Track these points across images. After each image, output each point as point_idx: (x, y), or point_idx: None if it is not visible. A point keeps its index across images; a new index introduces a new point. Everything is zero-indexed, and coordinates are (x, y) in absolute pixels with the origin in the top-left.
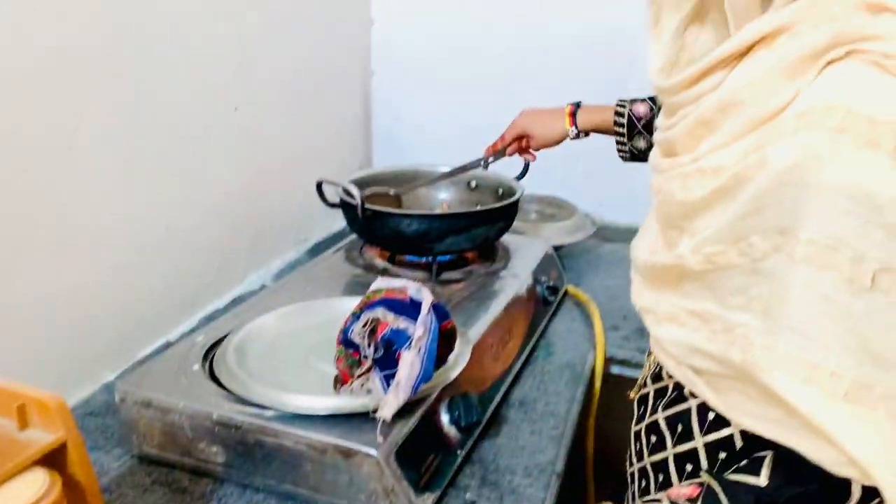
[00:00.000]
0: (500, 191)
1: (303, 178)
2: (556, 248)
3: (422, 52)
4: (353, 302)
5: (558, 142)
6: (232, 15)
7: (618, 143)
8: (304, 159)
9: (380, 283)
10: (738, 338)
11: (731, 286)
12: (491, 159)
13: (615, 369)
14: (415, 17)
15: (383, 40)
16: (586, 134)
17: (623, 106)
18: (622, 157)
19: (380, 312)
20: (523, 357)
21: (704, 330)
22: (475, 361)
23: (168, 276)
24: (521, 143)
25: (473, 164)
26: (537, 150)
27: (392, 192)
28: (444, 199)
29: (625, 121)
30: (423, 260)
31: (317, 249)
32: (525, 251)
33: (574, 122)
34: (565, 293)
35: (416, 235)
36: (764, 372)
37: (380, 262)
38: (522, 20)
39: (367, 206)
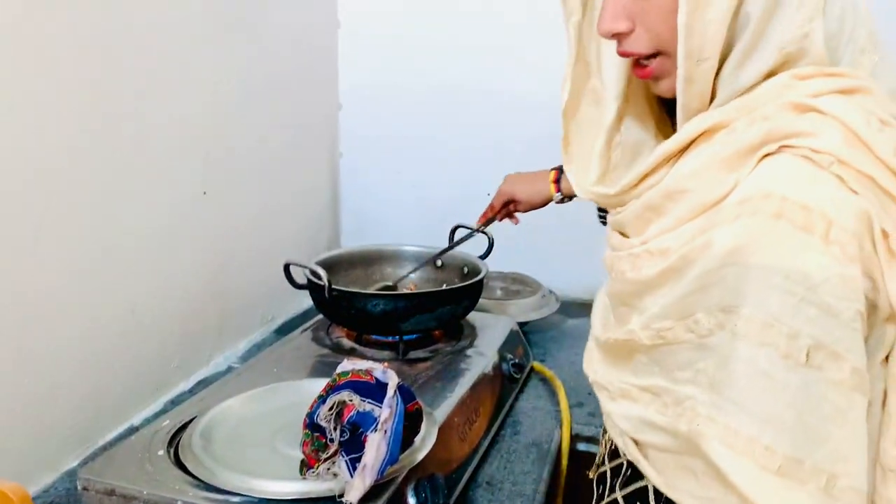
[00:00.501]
0: (466, 269)
1: (270, 258)
2: (522, 325)
3: (388, 134)
4: (319, 384)
5: (544, 205)
6: (201, 100)
7: (598, 208)
8: (272, 240)
9: (346, 366)
10: (687, 410)
11: (679, 361)
12: (481, 227)
13: (581, 446)
14: (381, 102)
15: (351, 124)
16: (570, 198)
17: None
18: (602, 222)
19: (346, 395)
20: (490, 436)
21: (656, 403)
22: (442, 442)
23: (133, 361)
24: (510, 208)
25: (465, 238)
26: (524, 212)
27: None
28: (410, 279)
29: None
30: (390, 339)
31: (284, 330)
32: (491, 328)
33: (559, 188)
34: (531, 370)
35: (382, 315)
36: (705, 441)
37: (347, 342)
38: (485, 106)
39: (334, 287)
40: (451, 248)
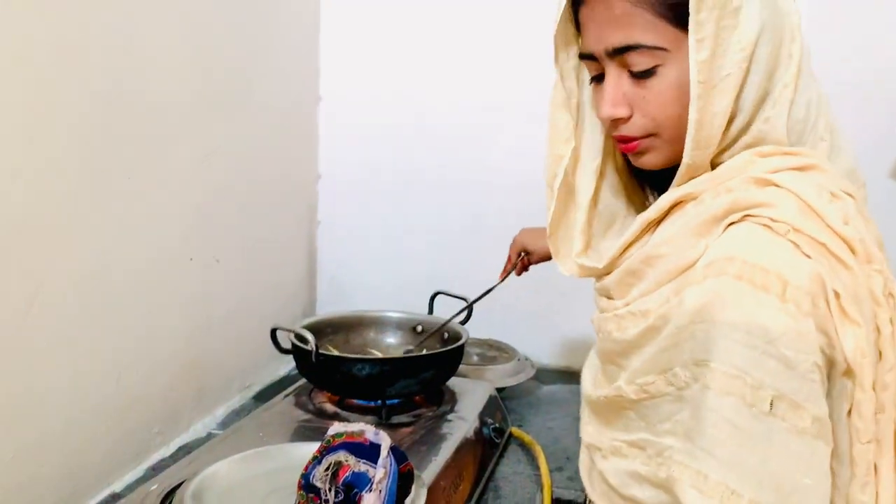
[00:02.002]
0: (446, 335)
1: (249, 324)
2: (499, 391)
3: (366, 202)
4: (308, 447)
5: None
6: (189, 170)
7: None
8: (250, 306)
9: (338, 428)
10: (666, 459)
11: (661, 413)
12: (501, 280)
13: None
14: (359, 173)
15: (330, 193)
16: None
17: None
18: None
19: (342, 456)
20: (473, 501)
21: (641, 456)
22: None
23: (115, 426)
24: (524, 260)
25: (483, 294)
26: (537, 263)
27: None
28: (390, 344)
29: None
30: (373, 404)
31: (262, 396)
32: (470, 393)
33: None
34: (510, 435)
35: (368, 379)
36: (678, 485)
37: (330, 407)
38: (463, 182)
39: (321, 351)
40: (466, 308)
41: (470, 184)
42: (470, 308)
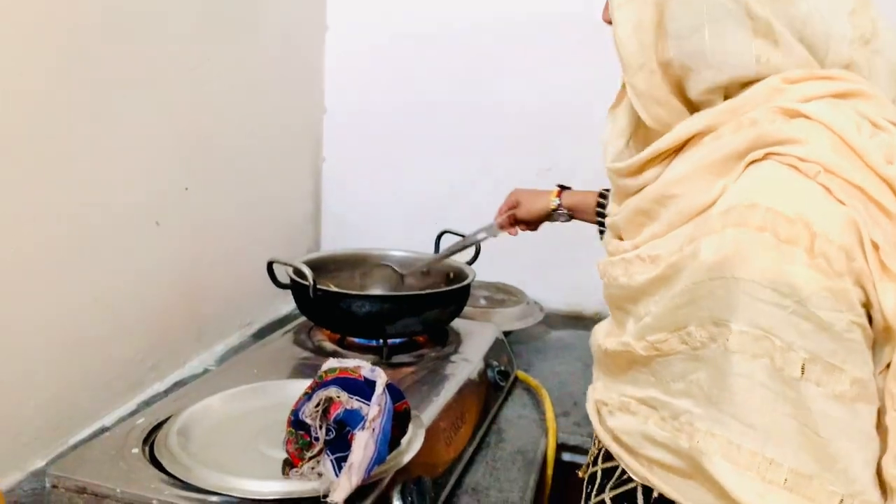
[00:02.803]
0: (452, 275)
1: (250, 260)
2: (506, 334)
3: (372, 139)
4: (303, 385)
5: (542, 215)
6: (186, 95)
7: (599, 230)
8: (251, 241)
9: (333, 363)
10: (685, 425)
11: (674, 372)
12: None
13: (566, 456)
14: (366, 107)
15: (335, 128)
16: (569, 217)
17: (605, 196)
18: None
19: (333, 392)
20: (475, 443)
21: (654, 416)
22: (428, 446)
23: (104, 359)
24: (512, 215)
25: (477, 237)
26: (523, 219)
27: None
28: (394, 284)
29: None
30: (374, 343)
31: (262, 334)
32: (476, 335)
33: (559, 199)
34: (515, 379)
35: (368, 317)
36: (706, 458)
37: (329, 345)
38: (470, 113)
39: (319, 286)
40: (453, 251)
41: (481, 121)
42: (478, 247)
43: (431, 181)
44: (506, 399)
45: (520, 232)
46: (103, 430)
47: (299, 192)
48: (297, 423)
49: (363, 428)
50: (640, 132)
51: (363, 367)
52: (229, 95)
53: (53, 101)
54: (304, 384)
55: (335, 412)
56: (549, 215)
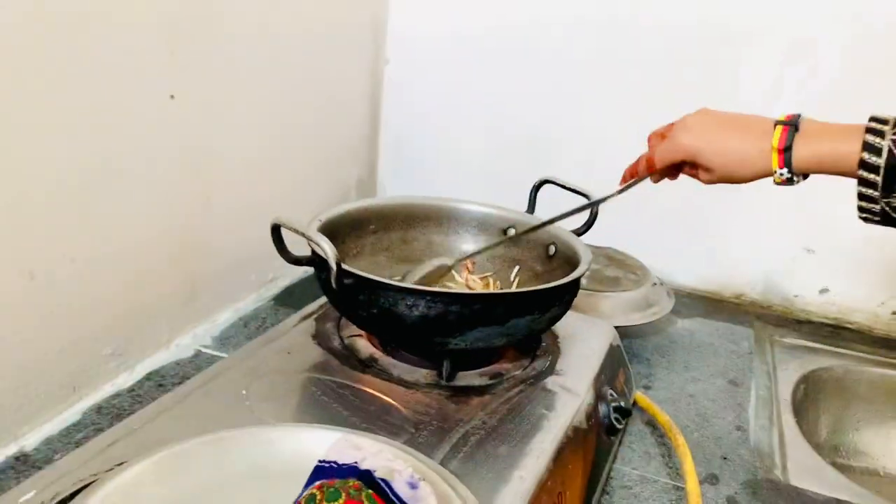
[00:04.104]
0: (553, 248)
1: (272, 200)
2: (617, 328)
3: (450, 38)
4: (304, 438)
5: (751, 180)
6: None
7: (861, 195)
8: (276, 175)
9: (335, 481)
10: None
11: None
12: (623, 189)
13: None
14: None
15: (402, 22)
16: (805, 177)
17: (880, 133)
18: (864, 217)
19: None
20: None
21: None
22: None
23: (43, 342)
24: (683, 171)
25: (597, 201)
26: (711, 183)
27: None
28: (467, 253)
29: (882, 160)
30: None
31: (287, 298)
32: (579, 341)
33: (785, 161)
34: (633, 404)
35: (421, 323)
36: None
37: (365, 347)
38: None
39: (348, 269)
40: (588, 206)
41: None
42: (594, 210)
43: (528, 109)
44: (620, 443)
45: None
46: (21, 457)
47: (349, 106)
48: None
49: None
50: None
51: (396, 479)
52: None
53: None
54: (303, 438)
55: None
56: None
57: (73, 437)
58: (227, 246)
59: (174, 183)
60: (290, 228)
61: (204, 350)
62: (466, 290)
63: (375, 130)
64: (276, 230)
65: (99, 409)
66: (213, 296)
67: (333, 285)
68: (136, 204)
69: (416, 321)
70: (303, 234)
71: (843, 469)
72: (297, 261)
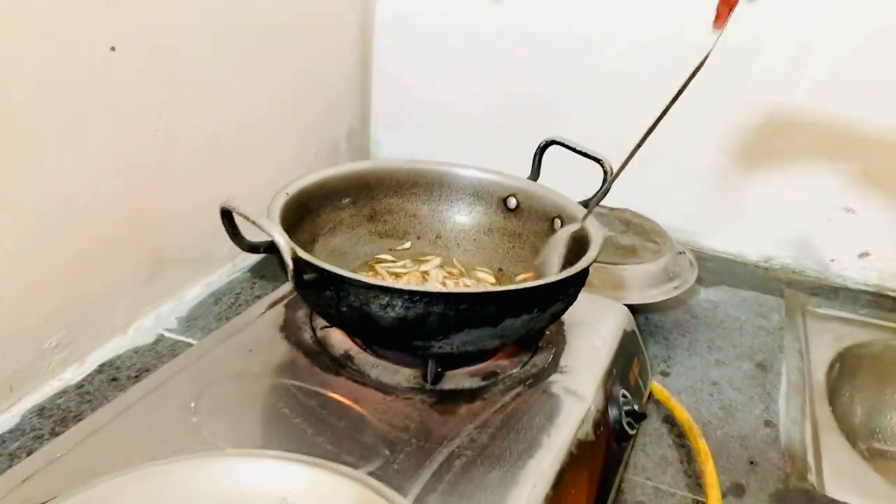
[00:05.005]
0: (559, 220)
1: (245, 158)
2: (631, 307)
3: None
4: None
5: None
6: None
7: None
8: (249, 129)
9: None
10: None
11: None
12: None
13: None
14: None
15: None
16: None
17: None
18: None
19: None
20: None
21: None
22: None
23: None
24: None
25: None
26: None
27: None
28: (460, 227)
29: None
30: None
31: (264, 268)
32: (588, 330)
33: None
34: (649, 395)
35: (398, 325)
36: None
37: (339, 343)
38: None
39: (309, 258)
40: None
41: None
42: (608, 177)
43: (531, 52)
44: (632, 447)
45: None
46: None
47: (341, 53)
48: None
49: None
50: None
51: None
52: None
53: None
54: (263, 474)
55: None
56: None
57: (7, 446)
58: (195, 212)
59: (126, 144)
60: (239, 214)
61: (167, 334)
62: (451, 288)
63: (367, 78)
64: (226, 215)
65: (41, 410)
66: (179, 269)
67: (291, 283)
68: (79, 170)
69: (393, 323)
70: (253, 222)
71: (879, 455)
72: (253, 248)
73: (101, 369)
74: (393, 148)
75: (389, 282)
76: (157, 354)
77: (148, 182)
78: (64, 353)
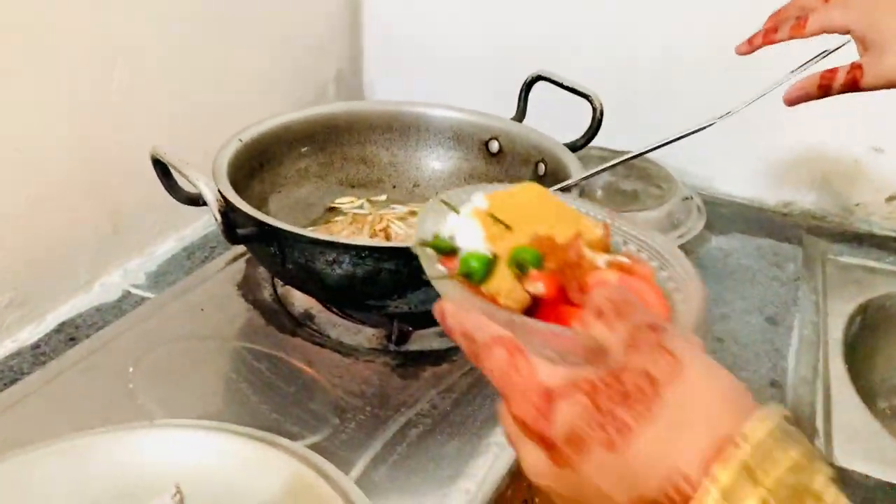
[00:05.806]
0: (544, 166)
1: (222, 98)
2: None
3: None
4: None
5: None
6: None
7: None
8: (229, 65)
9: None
10: None
11: None
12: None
13: None
14: None
15: None
16: None
17: None
18: None
19: None
20: None
21: None
22: None
23: None
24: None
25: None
26: (868, 87)
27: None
28: (437, 175)
29: None
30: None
31: None
32: None
33: None
34: None
35: (347, 283)
36: None
37: (301, 301)
38: None
39: (245, 208)
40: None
41: None
42: (597, 118)
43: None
44: None
45: None
46: None
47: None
48: None
49: None
50: None
51: None
52: None
53: None
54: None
55: None
56: None
57: None
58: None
59: (79, 88)
60: (166, 162)
61: (134, 291)
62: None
63: (357, 20)
64: (158, 164)
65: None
66: (149, 223)
67: (224, 237)
68: (26, 112)
69: (341, 281)
70: (180, 172)
71: None
72: (191, 200)
73: (59, 328)
74: (389, 92)
75: (333, 236)
76: (120, 312)
77: (105, 129)
78: (18, 312)
